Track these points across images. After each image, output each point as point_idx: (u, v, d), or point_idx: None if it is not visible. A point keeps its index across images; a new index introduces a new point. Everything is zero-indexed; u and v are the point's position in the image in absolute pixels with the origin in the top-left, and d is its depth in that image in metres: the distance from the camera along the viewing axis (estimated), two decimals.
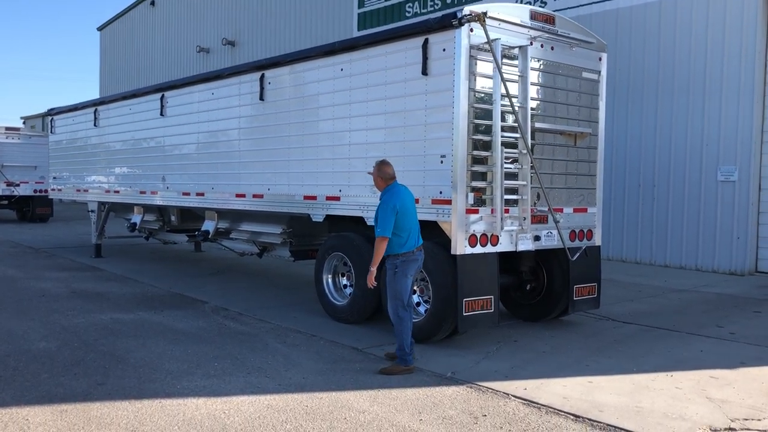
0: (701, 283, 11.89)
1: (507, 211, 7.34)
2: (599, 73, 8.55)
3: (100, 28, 39.37)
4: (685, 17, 13.51)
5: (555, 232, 7.92)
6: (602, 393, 5.89)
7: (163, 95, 12.14)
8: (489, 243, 7.35)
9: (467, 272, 7.17)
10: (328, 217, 8.87)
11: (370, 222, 8.11)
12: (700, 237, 13.39)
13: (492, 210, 7.33)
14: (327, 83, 8.68)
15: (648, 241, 14.19)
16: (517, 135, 7.37)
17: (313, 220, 9.01)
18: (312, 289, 9.80)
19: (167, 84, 12.45)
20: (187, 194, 11.59)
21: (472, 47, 7.07)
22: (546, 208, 7.68)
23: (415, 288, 7.64)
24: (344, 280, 8.85)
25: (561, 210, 8.05)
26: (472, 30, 7.06)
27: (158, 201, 12.50)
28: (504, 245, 7.50)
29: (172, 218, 12.86)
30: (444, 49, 7.21)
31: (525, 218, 7.48)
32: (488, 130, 7.26)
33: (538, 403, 5.62)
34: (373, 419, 5.24)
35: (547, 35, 7.81)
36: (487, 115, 7.25)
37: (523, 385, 6.08)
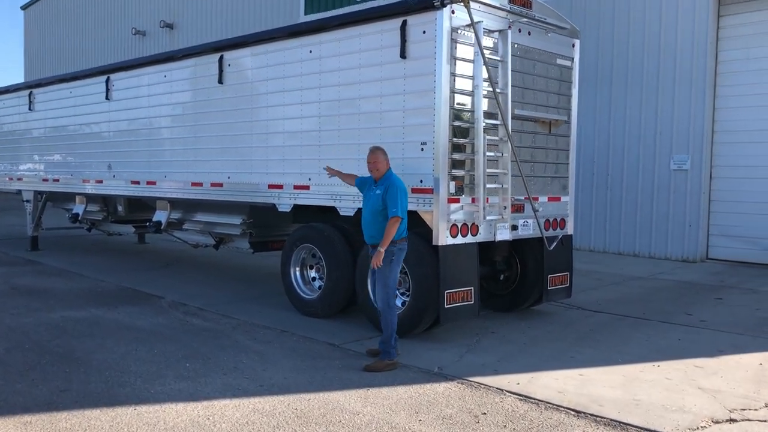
0: (657, 271, 12.04)
1: (487, 200, 7.12)
2: (572, 59, 8.42)
3: (24, 7, 37.35)
4: (638, 9, 13.61)
5: (531, 221, 7.78)
6: (596, 386, 5.75)
7: (108, 78, 11.43)
8: (469, 233, 7.13)
9: (448, 263, 6.93)
10: (295, 207, 8.48)
11: (345, 212, 7.79)
12: (653, 225, 13.57)
13: (473, 199, 7.12)
14: (293, 66, 8.26)
15: (602, 229, 14.31)
16: (497, 122, 7.16)
17: (279, 210, 8.60)
18: (272, 281, 9.43)
19: (113, 66, 11.75)
20: (137, 183, 10.96)
21: (453, 30, 6.81)
22: (523, 197, 7.51)
23: None
24: (312, 273, 8.48)
25: (537, 199, 7.90)
26: (453, 12, 6.79)
27: (105, 190, 11.79)
28: (483, 235, 7.29)
29: (119, 208, 12.16)
30: (424, 32, 6.91)
31: (505, 207, 7.29)
32: (467, 116, 7.02)
33: (534, 399, 5.43)
34: (369, 421, 4.94)
35: (525, 20, 7.62)
36: (467, 100, 7.01)
37: (515, 379, 5.89)
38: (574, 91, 8.49)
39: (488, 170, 7.02)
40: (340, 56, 7.75)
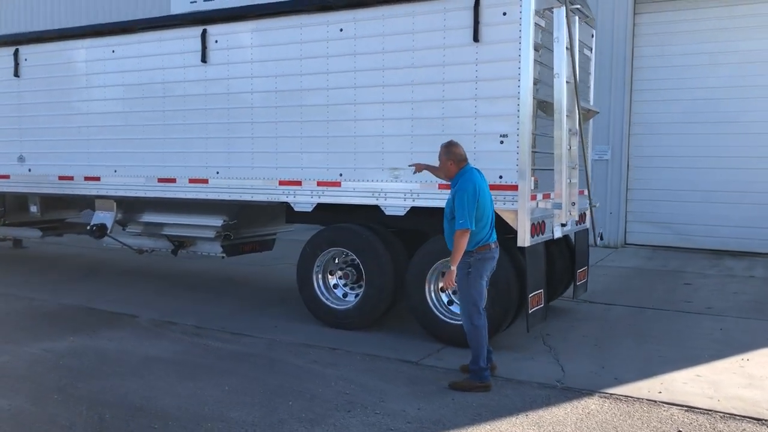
0: (594, 258, 12.40)
1: (557, 195, 6.71)
2: (591, 49, 8.27)
3: None
4: None
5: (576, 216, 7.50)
6: (731, 387, 5.59)
7: (17, 50, 9.37)
8: (541, 232, 6.70)
9: (531, 265, 6.45)
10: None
11: (392, 211, 6.98)
12: None
13: (544, 195, 6.68)
14: (317, 45, 7.22)
15: None
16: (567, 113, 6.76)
17: (296, 209, 7.53)
18: (237, 287, 8.43)
19: (30, 35, 9.65)
20: (68, 179, 9.11)
21: (536, 12, 6.29)
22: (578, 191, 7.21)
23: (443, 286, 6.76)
24: (334, 280, 7.55)
25: (582, 192, 7.64)
26: None
27: (18, 188, 9.67)
28: (547, 233, 6.90)
29: (32, 209, 10.05)
30: (505, 13, 6.30)
31: (574, 203, 6.93)
32: (545, 106, 6.56)
33: (699, 408, 5.14)
34: None
35: (573, 6, 7.27)
36: (544, 89, 6.54)
37: (645, 387, 5.57)
38: (592, 82, 8.34)
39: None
40: (384, 36, 6.88)
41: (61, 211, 10.67)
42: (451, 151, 5.75)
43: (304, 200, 7.44)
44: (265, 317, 7.82)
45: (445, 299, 6.88)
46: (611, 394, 5.43)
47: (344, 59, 7.08)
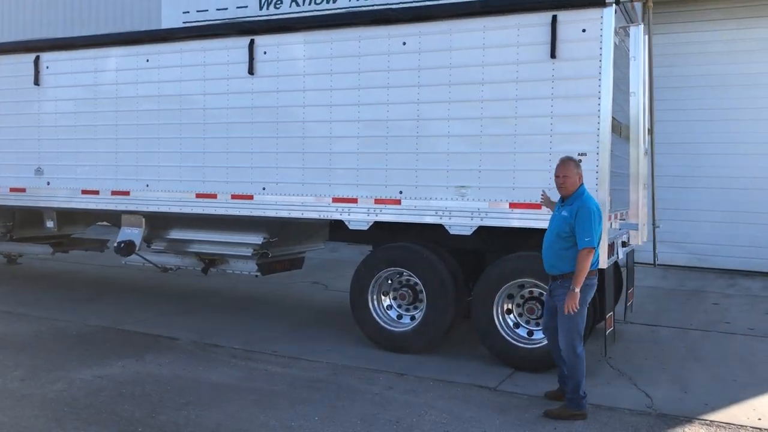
0: None
1: (632, 215, 6.60)
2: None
3: None
4: None
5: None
6: None
7: (38, 57, 8.91)
8: (613, 253, 6.56)
9: (607, 287, 6.30)
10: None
11: (457, 231, 6.75)
12: None
13: (614, 216, 6.55)
14: (377, 59, 6.98)
15: None
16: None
17: (351, 227, 7.24)
18: (275, 308, 8.44)
19: (55, 42, 9.21)
20: (93, 193, 8.65)
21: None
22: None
23: (510, 308, 6.60)
24: (387, 301, 7.29)
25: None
26: (616, 11, 6.17)
27: (35, 202, 9.15)
28: (614, 255, 6.76)
29: (49, 224, 9.51)
30: (584, 30, 6.18)
31: (644, 224, 6.82)
32: (620, 125, 6.45)
33: None
34: None
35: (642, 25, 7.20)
36: (619, 107, 6.43)
37: (740, 413, 5.46)
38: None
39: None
40: (451, 51, 6.69)
41: (70, 227, 10.16)
42: (577, 164, 5.57)
43: (359, 218, 7.17)
44: (312, 340, 7.50)
45: (511, 322, 6.68)
46: (711, 421, 5.29)
47: (407, 73, 6.86)
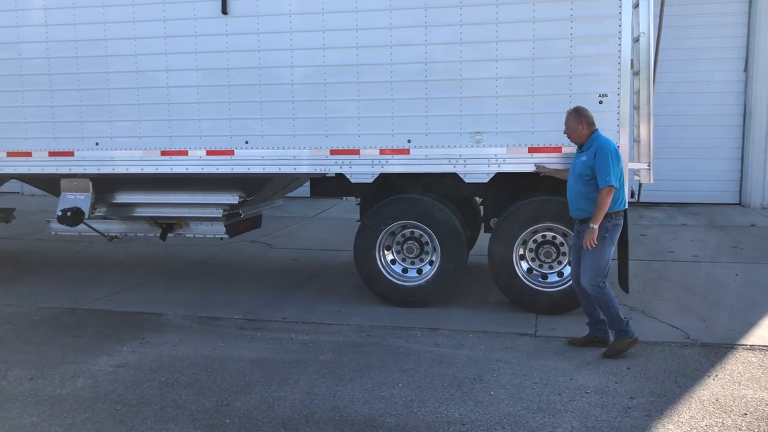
0: None
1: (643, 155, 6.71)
2: None
3: None
4: None
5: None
6: None
7: None
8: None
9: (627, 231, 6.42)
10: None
11: (473, 178, 6.54)
12: None
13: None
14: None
15: None
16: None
17: (353, 181, 6.78)
18: (244, 272, 8.28)
19: None
20: (25, 155, 7.41)
21: None
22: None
23: (523, 254, 6.60)
24: (390, 255, 6.98)
25: None
26: None
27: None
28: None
29: None
30: None
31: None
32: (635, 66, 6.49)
33: None
34: None
35: None
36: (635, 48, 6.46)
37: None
38: None
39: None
40: None
41: None
42: (582, 114, 5.57)
43: (362, 171, 6.73)
44: (310, 302, 7.05)
45: (525, 267, 6.66)
46: (751, 345, 5.62)
47: (412, 13, 6.44)
